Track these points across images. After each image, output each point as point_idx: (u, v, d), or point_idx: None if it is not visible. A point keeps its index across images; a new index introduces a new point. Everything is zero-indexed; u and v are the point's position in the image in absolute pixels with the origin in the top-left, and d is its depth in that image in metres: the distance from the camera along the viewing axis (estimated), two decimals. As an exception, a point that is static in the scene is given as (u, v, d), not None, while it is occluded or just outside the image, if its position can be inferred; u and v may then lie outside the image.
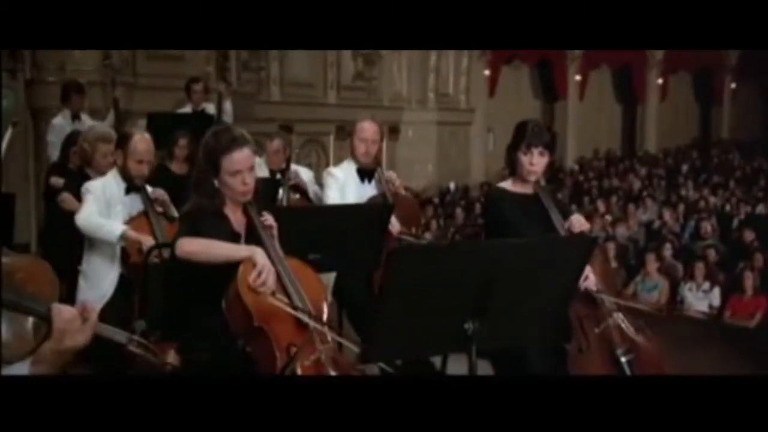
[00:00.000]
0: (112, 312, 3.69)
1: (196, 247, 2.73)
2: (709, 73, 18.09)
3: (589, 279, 3.16)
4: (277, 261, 2.79)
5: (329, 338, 2.65)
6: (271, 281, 2.60)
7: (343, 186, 4.24)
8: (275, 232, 2.93)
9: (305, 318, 2.62)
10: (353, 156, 4.33)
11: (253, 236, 2.88)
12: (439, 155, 13.23)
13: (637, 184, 13.16)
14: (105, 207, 3.79)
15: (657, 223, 10.27)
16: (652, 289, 7.72)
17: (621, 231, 9.55)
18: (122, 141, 3.86)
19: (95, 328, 1.77)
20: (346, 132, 12.49)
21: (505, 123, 14.78)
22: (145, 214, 3.86)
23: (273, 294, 2.60)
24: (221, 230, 2.83)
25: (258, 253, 2.67)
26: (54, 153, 6.02)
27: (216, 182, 2.83)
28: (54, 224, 5.11)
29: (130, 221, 3.82)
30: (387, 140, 13.04)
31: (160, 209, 3.93)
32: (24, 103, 7.65)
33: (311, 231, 3.45)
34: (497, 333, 2.12)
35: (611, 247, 8.13)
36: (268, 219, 2.92)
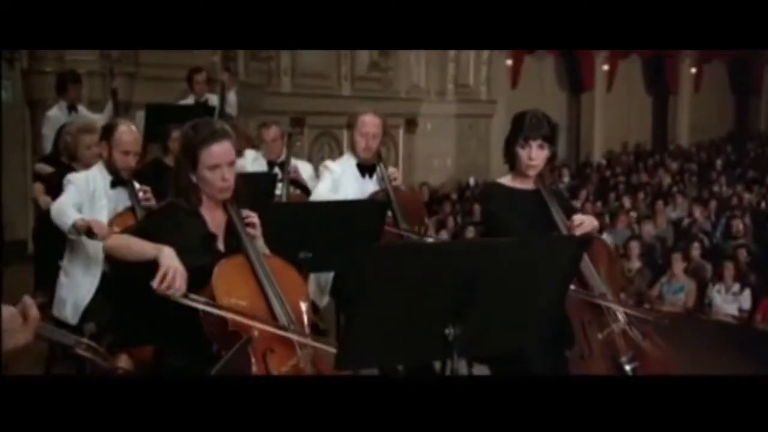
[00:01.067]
0: (94, 312, 3.68)
1: (116, 243, 2.71)
2: (745, 62, 17.79)
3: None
4: (255, 261, 2.73)
5: (309, 343, 2.58)
6: (179, 282, 2.50)
7: (340, 180, 4.18)
8: (258, 231, 2.87)
9: (242, 320, 2.55)
10: (353, 150, 4.26)
11: (232, 236, 2.83)
12: (459, 149, 13.14)
13: (667, 180, 12.97)
14: (89, 200, 3.75)
15: (687, 221, 10.10)
16: (678, 291, 7.58)
17: (648, 229, 9.40)
18: (107, 132, 3.82)
19: (41, 330, 1.74)
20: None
21: (529, 115, 14.75)
22: (131, 210, 3.82)
23: (185, 296, 2.51)
24: (194, 231, 2.77)
25: (163, 253, 2.55)
26: (48, 146, 6.01)
27: (194, 178, 2.78)
28: (42, 218, 5.10)
29: (116, 217, 3.78)
30: (404, 133, 13.06)
31: (147, 205, 3.88)
32: (21, 94, 7.67)
33: (303, 228, 3.40)
34: (480, 339, 2.05)
35: (635, 246, 8.01)
36: (251, 217, 2.86)
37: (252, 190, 4.29)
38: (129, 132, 3.81)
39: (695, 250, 8.19)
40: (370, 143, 4.17)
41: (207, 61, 8.17)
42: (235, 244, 2.81)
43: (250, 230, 2.83)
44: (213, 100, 7.24)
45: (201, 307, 2.51)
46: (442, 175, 12.91)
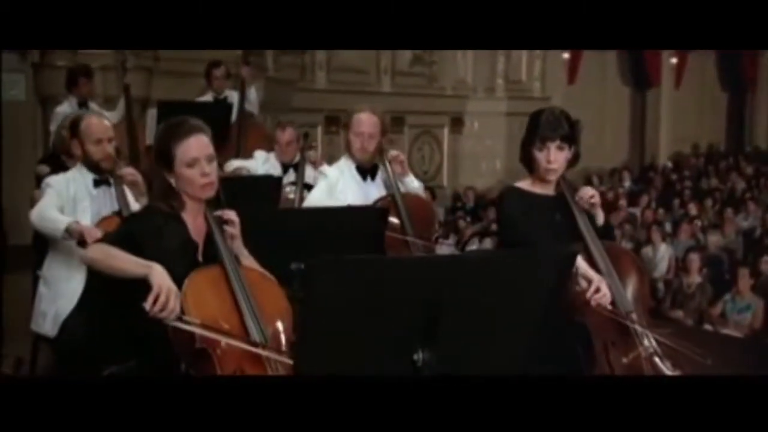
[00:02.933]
0: (73, 324, 3.63)
1: (98, 255, 2.64)
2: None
3: (601, 293, 2.91)
4: (232, 272, 2.66)
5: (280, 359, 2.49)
6: (173, 304, 2.45)
7: (337, 185, 4.09)
8: (237, 230, 2.79)
9: (241, 345, 2.50)
10: (349, 152, 4.16)
11: (211, 245, 2.76)
12: (509, 150, 12.84)
13: (741, 185, 12.57)
14: (70, 205, 3.71)
15: (759, 231, 9.75)
16: (744, 310, 7.28)
17: (714, 239, 9.09)
18: (74, 127, 3.81)
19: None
20: (403, 124, 12.40)
21: (588, 114, 14.43)
22: (118, 213, 3.76)
23: (179, 319, 2.45)
24: (174, 237, 2.72)
25: (155, 272, 2.50)
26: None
27: (172, 180, 2.72)
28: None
29: (101, 221, 3.72)
30: (449, 133, 12.91)
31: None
32: (32, 89, 7.75)
33: (296, 238, 3.30)
34: (454, 365, 1.92)
35: (695, 259, 7.73)
36: (228, 213, 2.78)
37: (254, 193, 4.28)
38: (96, 120, 3.82)
39: (766, 264, 7.87)
40: (365, 144, 4.06)
41: (231, 54, 8.13)
42: (213, 254, 2.74)
43: (227, 227, 2.77)
44: (234, 96, 7.21)
45: (197, 330, 2.47)
46: (490, 178, 12.69)
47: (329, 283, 1.73)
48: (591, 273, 2.94)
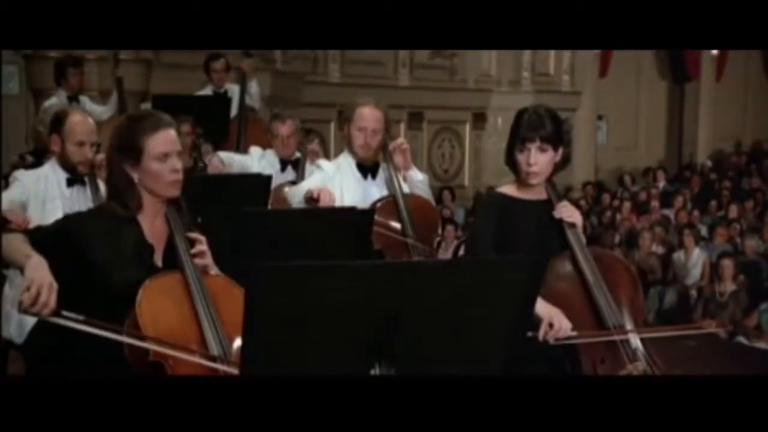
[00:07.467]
0: (41, 330, 3.64)
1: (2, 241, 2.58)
2: None
3: (555, 328, 2.82)
4: (192, 279, 2.66)
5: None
6: (44, 298, 2.37)
7: (332, 181, 4.07)
8: (203, 247, 2.79)
9: (138, 343, 2.49)
10: (349, 148, 4.16)
11: (174, 249, 2.75)
12: (535, 148, 12.82)
13: (786, 185, 12.40)
14: (39, 202, 3.73)
15: (802, 236, 9.60)
16: (782, 321, 7.19)
17: (752, 244, 8.97)
18: (57, 123, 3.82)
19: None
20: (422, 120, 12.36)
21: (621, 109, 14.38)
22: (91, 215, 3.78)
23: (57, 314, 2.39)
24: (128, 240, 2.71)
25: (29, 264, 2.44)
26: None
27: (135, 176, 2.72)
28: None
29: (73, 224, 3.75)
30: (471, 129, 12.85)
31: None
32: (24, 82, 7.84)
33: (273, 240, 3.31)
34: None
35: (729, 265, 7.63)
36: (198, 244, 2.76)
37: (242, 193, 4.29)
38: (82, 121, 3.82)
39: (805, 272, 7.77)
40: (369, 140, 4.07)
41: (233, 46, 8.14)
42: (174, 259, 2.74)
43: (197, 261, 2.73)
44: (234, 90, 7.23)
45: (78, 326, 2.41)
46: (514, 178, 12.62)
47: (271, 292, 1.71)
48: (539, 309, 2.76)
